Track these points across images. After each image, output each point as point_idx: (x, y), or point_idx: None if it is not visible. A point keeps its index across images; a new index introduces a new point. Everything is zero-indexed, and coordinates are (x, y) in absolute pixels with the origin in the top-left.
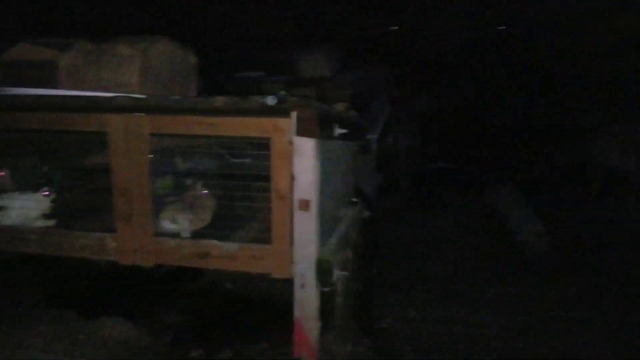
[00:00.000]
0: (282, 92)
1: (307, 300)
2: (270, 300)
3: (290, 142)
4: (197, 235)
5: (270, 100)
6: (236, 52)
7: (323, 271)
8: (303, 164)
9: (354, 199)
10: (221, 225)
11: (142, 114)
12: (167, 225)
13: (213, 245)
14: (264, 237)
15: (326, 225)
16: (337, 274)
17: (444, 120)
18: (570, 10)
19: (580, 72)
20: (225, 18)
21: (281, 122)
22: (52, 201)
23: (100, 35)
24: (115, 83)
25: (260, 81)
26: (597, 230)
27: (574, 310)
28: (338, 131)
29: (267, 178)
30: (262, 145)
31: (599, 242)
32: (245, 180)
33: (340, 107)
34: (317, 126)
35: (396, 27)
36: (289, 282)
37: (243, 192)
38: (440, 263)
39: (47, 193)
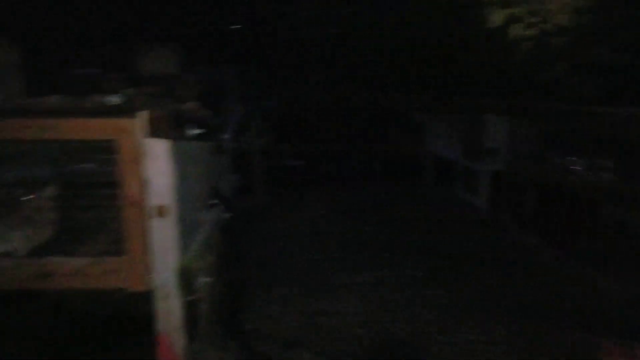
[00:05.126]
0: (128, 90)
1: (170, 312)
2: (127, 317)
3: (140, 144)
4: (36, 252)
5: (115, 99)
6: (68, 47)
7: (186, 280)
8: (156, 167)
9: (213, 201)
10: (66, 240)
11: None
12: None
13: (57, 262)
14: (116, 248)
15: (186, 231)
16: (201, 281)
17: (294, 119)
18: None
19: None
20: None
21: (128, 122)
22: None
23: None
24: None
25: (97, 78)
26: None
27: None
28: (192, 131)
29: (114, 184)
30: (107, 149)
31: None
32: (91, 188)
33: (191, 106)
34: (168, 126)
35: (239, 26)
36: (147, 296)
37: (88, 200)
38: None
39: None
